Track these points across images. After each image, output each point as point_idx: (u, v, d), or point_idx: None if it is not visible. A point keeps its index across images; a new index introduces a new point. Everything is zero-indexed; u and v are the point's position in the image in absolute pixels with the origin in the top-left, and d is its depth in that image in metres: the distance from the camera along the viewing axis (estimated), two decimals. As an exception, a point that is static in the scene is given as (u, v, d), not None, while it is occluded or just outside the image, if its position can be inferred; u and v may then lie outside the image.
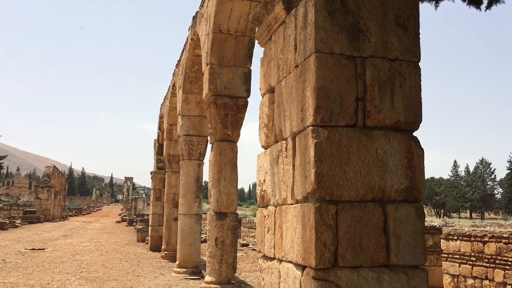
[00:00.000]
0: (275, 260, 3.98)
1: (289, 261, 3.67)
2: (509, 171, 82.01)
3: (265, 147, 4.46)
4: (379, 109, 3.48)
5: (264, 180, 4.38)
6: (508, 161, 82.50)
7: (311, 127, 3.38)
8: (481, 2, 6.93)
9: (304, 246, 3.37)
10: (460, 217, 77.15)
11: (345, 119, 3.41)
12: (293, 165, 3.68)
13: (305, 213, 3.39)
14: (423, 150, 3.55)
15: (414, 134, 3.61)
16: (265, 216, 4.31)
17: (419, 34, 3.67)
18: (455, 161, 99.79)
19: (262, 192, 4.41)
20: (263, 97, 4.61)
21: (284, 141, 3.92)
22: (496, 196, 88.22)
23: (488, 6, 6.91)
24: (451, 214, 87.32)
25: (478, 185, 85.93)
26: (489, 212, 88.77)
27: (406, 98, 3.55)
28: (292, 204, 3.68)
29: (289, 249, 3.64)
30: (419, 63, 3.65)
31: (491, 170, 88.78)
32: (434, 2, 6.94)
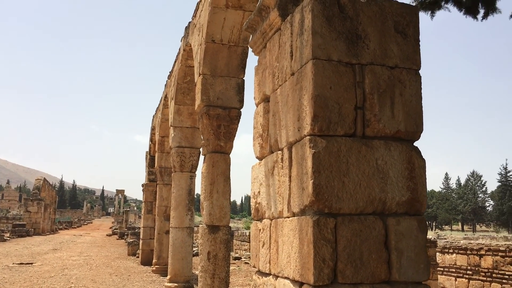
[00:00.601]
0: (271, 276, 3.80)
1: (285, 277, 3.50)
2: (500, 183, 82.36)
3: (260, 158, 4.31)
4: (378, 118, 3.35)
5: (259, 192, 4.22)
6: (498, 174, 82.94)
7: (308, 137, 3.24)
8: (478, 12, 6.89)
9: (302, 262, 3.21)
10: (452, 230, 77.20)
11: (344, 128, 3.28)
12: (290, 177, 3.53)
13: (302, 227, 3.24)
14: (425, 160, 3.42)
15: (415, 144, 3.48)
16: (259, 230, 4.15)
17: (419, 41, 3.56)
18: (446, 174, 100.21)
19: (257, 205, 4.25)
20: (257, 106, 4.47)
21: (279, 152, 3.78)
22: (487, 208, 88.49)
23: (485, 16, 6.88)
24: (443, 226, 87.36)
25: (470, 198, 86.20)
26: (481, 225, 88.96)
27: (407, 106, 3.43)
28: (288, 217, 3.52)
29: (286, 264, 3.48)
30: (419, 71, 3.54)
31: (482, 183, 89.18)
32: (430, 12, 6.90)
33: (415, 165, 3.40)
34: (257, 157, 4.40)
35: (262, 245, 4.05)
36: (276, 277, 3.68)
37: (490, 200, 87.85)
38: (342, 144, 3.25)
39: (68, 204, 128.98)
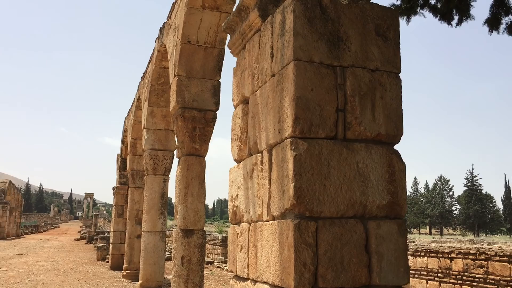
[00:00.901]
0: (249, 281, 3.73)
1: (264, 282, 3.43)
2: (466, 188, 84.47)
3: (238, 161, 4.24)
4: (360, 120, 3.33)
5: (237, 195, 4.14)
6: (465, 178, 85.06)
7: (289, 139, 3.19)
8: (452, 18, 7.04)
9: (282, 266, 3.15)
10: (420, 233, 78.73)
11: (325, 131, 3.24)
12: (269, 179, 3.47)
13: (283, 231, 3.18)
14: (405, 164, 3.42)
15: (395, 147, 3.48)
16: (237, 234, 4.07)
17: (399, 44, 3.56)
18: (415, 178, 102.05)
19: (235, 208, 4.18)
20: (236, 108, 4.41)
21: (259, 154, 3.71)
22: (454, 212, 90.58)
23: (459, 22, 7.03)
24: (412, 230, 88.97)
25: (437, 202, 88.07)
26: (448, 228, 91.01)
27: (387, 110, 3.43)
28: (268, 221, 3.46)
29: (265, 269, 3.41)
30: (399, 75, 3.54)
31: (450, 187, 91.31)
32: (405, 18, 6.99)
33: (395, 168, 3.39)
34: (235, 160, 4.33)
35: (240, 249, 3.97)
36: (255, 281, 3.61)
37: (456, 204, 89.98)
38: (323, 146, 3.21)
39: (35, 207, 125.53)
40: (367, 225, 3.24)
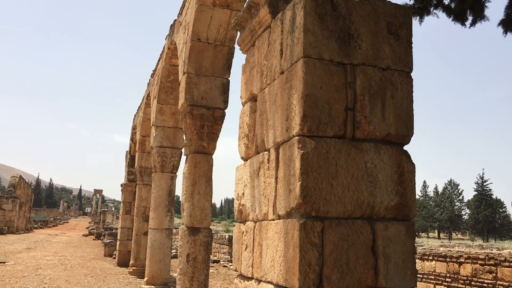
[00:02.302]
0: (253, 280, 3.69)
1: (269, 282, 3.38)
2: (476, 192, 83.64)
3: (245, 159, 4.20)
4: (369, 120, 3.27)
5: (243, 193, 4.10)
6: (475, 183, 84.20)
7: (297, 137, 3.14)
8: (466, 19, 6.92)
9: (287, 266, 3.10)
10: (428, 237, 78.09)
11: (334, 130, 3.18)
12: (276, 178, 3.42)
13: (288, 230, 3.13)
14: (414, 165, 3.35)
15: (405, 148, 3.41)
16: (243, 232, 4.02)
17: (412, 43, 3.49)
18: (424, 181, 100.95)
19: (241, 207, 4.13)
20: (244, 105, 4.36)
21: (266, 152, 3.67)
22: (463, 217, 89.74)
23: (473, 23, 6.91)
24: (420, 233, 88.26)
25: (446, 206, 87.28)
26: (457, 233, 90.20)
27: (398, 109, 3.36)
28: (273, 220, 3.41)
29: (269, 268, 3.37)
30: (411, 74, 3.48)
31: (459, 191, 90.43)
32: (418, 18, 6.89)
33: (405, 169, 3.32)
34: (242, 158, 4.29)
35: (245, 248, 3.93)
36: (259, 281, 3.57)
37: (466, 209, 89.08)
38: (331, 145, 3.15)
39: (44, 203, 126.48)
40: (375, 227, 3.18)
